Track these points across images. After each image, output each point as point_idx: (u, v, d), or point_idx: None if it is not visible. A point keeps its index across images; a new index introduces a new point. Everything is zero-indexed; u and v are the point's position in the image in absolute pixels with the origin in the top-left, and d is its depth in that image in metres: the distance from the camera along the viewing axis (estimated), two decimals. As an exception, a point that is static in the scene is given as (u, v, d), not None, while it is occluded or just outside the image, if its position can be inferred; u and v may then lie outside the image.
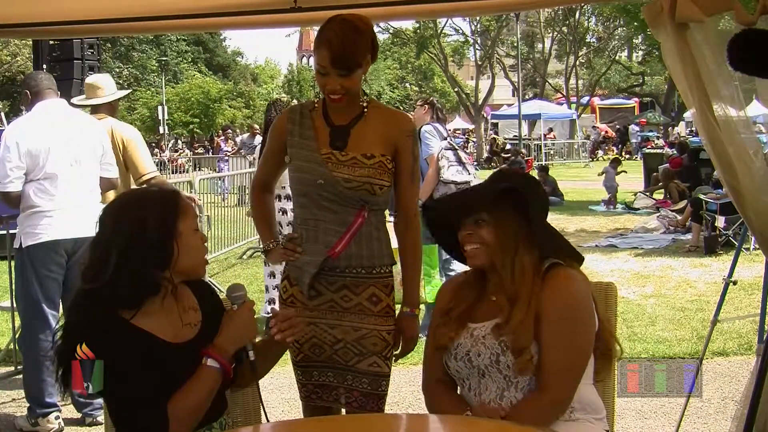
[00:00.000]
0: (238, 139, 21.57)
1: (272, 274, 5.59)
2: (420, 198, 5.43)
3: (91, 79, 5.16)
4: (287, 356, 2.62)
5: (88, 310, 1.86)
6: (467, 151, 5.79)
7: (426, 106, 5.77)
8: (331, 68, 2.34)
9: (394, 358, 2.54)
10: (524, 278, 2.07)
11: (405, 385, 4.62)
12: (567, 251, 2.17)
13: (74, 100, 5.41)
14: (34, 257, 3.81)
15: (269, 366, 2.15)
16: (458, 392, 2.17)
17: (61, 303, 4.01)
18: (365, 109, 2.48)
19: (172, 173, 20.57)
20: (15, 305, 4.33)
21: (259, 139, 19.06)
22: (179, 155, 27.86)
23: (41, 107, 3.94)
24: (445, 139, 5.58)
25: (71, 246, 3.88)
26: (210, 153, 21.75)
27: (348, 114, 2.47)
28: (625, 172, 15.54)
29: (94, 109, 4.99)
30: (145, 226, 1.87)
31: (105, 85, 4.95)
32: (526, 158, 21.62)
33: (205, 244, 2.02)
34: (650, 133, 30.97)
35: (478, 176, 5.87)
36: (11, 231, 5.19)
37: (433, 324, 2.25)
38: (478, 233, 2.14)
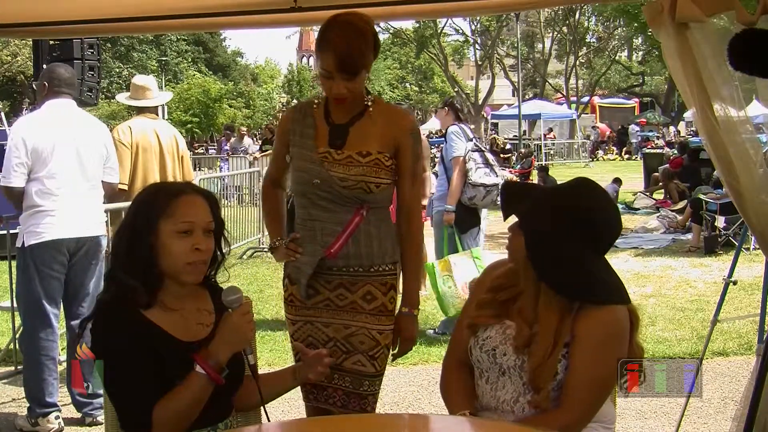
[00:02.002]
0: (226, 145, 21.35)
1: None
2: (448, 204, 5.37)
3: (141, 80, 5.28)
4: (288, 355, 2.62)
5: (104, 296, 1.92)
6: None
7: (446, 107, 5.70)
8: (337, 73, 2.33)
9: (391, 358, 2.52)
10: (549, 314, 1.96)
11: (405, 385, 4.62)
12: (605, 295, 1.97)
13: (120, 98, 5.62)
14: (37, 256, 3.82)
15: (276, 394, 2.15)
16: (474, 382, 2.11)
17: (62, 302, 4.03)
18: (368, 107, 2.45)
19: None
20: (15, 305, 4.33)
21: (247, 141, 19.06)
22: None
23: (51, 105, 3.95)
24: (471, 140, 5.51)
25: (74, 245, 3.89)
26: (215, 151, 21.70)
27: (349, 112, 2.45)
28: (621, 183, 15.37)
29: (140, 110, 5.09)
30: (134, 218, 1.92)
31: (154, 87, 5.22)
32: (530, 156, 21.58)
33: (198, 251, 1.93)
34: (650, 133, 30.95)
35: (504, 177, 5.82)
36: (11, 231, 5.21)
37: (475, 298, 2.17)
38: (512, 239, 2.06)
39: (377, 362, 2.45)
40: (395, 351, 2.52)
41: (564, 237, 1.97)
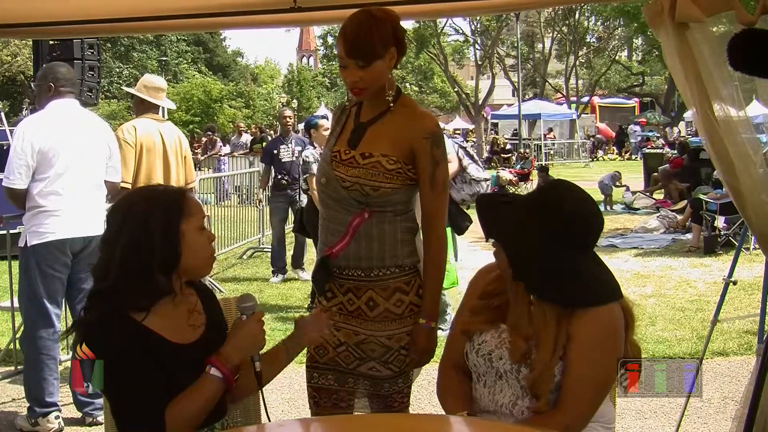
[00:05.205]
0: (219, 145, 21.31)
1: None
2: None
3: (156, 81, 5.32)
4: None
5: (96, 310, 1.87)
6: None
7: None
8: (348, 59, 2.28)
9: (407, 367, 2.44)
10: (545, 325, 1.94)
11: (405, 385, 4.62)
12: (597, 295, 1.96)
13: (130, 89, 5.64)
14: (40, 256, 3.82)
15: (273, 374, 2.14)
16: (471, 385, 2.11)
17: (65, 301, 4.03)
18: (392, 106, 2.38)
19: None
20: (15, 305, 4.33)
21: (246, 137, 19.07)
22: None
23: (55, 105, 3.96)
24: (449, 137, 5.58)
25: (78, 245, 3.90)
26: (220, 144, 21.66)
27: (374, 110, 2.40)
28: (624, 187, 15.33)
29: (145, 109, 5.08)
30: (148, 227, 1.86)
31: (165, 90, 5.22)
32: (528, 157, 21.59)
33: (213, 243, 2.00)
34: (650, 133, 30.96)
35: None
36: (11, 231, 5.21)
37: (467, 304, 2.16)
38: (498, 254, 2.05)
39: (393, 365, 2.40)
40: (409, 360, 2.41)
41: (549, 243, 1.95)
